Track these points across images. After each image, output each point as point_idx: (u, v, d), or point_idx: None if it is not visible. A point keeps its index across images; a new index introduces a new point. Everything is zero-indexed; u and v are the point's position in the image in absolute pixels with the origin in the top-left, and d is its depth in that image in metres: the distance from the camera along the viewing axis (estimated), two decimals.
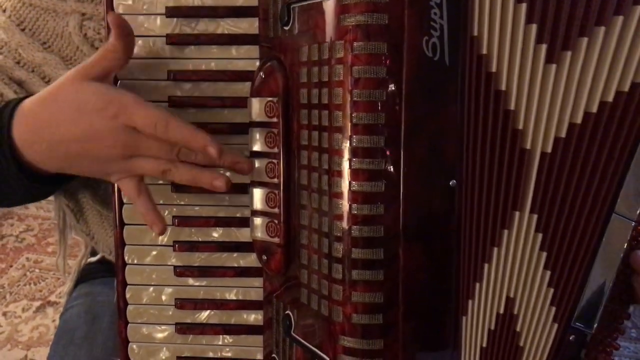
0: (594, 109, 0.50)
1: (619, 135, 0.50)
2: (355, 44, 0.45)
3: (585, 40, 0.48)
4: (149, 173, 0.54)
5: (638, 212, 0.51)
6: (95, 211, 0.80)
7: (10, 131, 0.56)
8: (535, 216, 0.51)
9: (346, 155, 0.47)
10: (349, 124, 0.46)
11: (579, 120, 0.50)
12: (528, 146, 0.50)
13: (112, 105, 0.51)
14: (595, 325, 0.54)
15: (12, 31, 0.69)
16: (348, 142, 0.47)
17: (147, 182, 0.58)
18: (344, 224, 0.47)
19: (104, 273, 0.88)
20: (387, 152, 0.46)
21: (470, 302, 0.52)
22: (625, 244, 0.52)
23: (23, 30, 0.69)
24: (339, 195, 0.47)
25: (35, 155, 0.56)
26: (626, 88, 0.49)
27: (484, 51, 0.48)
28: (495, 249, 0.51)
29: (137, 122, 0.51)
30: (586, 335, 0.54)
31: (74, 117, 0.52)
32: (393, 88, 0.46)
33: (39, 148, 0.55)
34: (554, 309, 0.54)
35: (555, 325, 0.54)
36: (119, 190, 0.59)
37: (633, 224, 0.51)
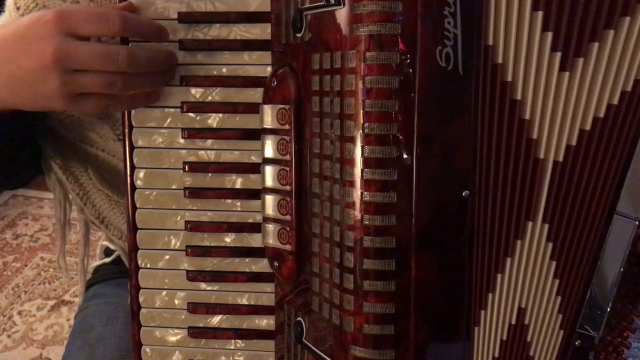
0: (602, 113, 0.49)
1: (621, 136, 0.50)
2: (367, 54, 0.45)
3: (596, 45, 0.48)
4: (92, 87, 0.51)
5: None
6: (104, 195, 0.79)
7: None
8: (546, 226, 0.51)
9: (358, 165, 0.46)
10: (361, 134, 0.46)
11: (588, 126, 0.50)
12: (541, 155, 0.50)
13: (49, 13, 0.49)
14: (602, 328, 0.53)
15: None
16: (360, 152, 0.46)
17: (158, 187, 0.58)
18: (356, 235, 0.47)
19: (118, 274, 0.88)
20: (400, 163, 0.46)
21: (482, 312, 0.51)
22: (629, 243, 0.52)
23: None
24: (351, 205, 0.47)
25: None
26: (629, 88, 0.49)
27: (500, 60, 0.47)
28: (509, 259, 0.51)
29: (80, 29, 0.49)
30: (593, 338, 0.54)
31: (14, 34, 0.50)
32: (405, 98, 0.45)
33: None
34: (560, 316, 0.53)
35: (562, 332, 0.53)
36: (132, 195, 0.59)
37: (636, 222, 0.51)
